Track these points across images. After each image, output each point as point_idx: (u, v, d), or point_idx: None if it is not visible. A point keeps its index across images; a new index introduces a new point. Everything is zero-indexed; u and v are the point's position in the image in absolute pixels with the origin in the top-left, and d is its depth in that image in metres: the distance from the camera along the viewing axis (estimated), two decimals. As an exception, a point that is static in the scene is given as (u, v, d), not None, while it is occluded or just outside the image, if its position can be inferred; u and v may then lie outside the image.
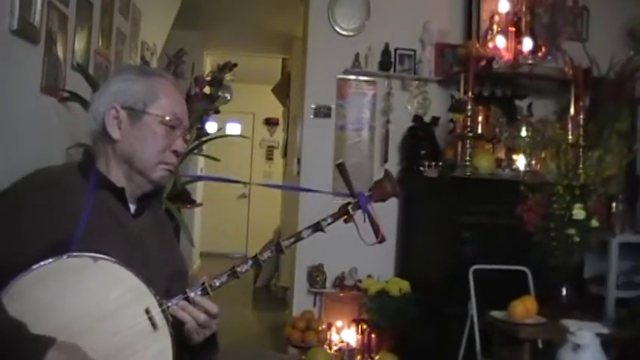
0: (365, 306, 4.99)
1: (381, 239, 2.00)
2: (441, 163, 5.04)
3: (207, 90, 3.34)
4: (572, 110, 4.98)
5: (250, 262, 1.84)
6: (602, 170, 3.68)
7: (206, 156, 4.29)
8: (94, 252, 1.60)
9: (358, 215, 1.96)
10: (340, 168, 2.03)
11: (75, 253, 1.60)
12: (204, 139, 3.28)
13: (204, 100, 3.30)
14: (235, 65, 3.41)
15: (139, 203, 1.93)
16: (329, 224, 1.95)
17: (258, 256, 1.85)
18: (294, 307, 5.48)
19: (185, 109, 1.94)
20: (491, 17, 5.40)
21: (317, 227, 1.94)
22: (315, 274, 5.30)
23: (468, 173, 4.63)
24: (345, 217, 1.97)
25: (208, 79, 3.48)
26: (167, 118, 1.85)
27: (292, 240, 1.92)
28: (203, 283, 1.76)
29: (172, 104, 1.89)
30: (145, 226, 1.92)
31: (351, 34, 5.54)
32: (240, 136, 4.10)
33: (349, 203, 1.97)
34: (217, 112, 3.46)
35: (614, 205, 5.41)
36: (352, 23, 5.55)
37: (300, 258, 5.41)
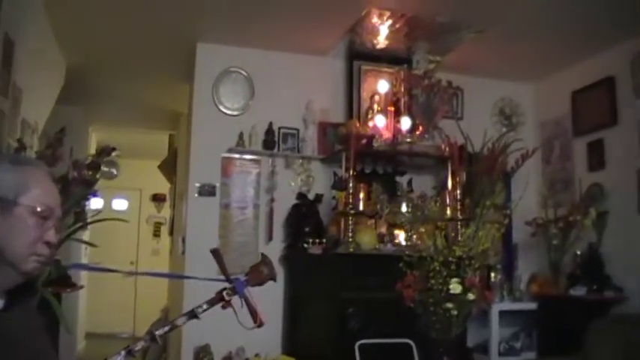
0: (252, 386, 4.94)
1: (259, 323, 2.01)
2: (324, 240, 5.10)
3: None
4: (449, 185, 5.18)
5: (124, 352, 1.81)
6: (475, 245, 3.81)
7: (83, 241, 4.20)
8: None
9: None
10: (215, 254, 2.04)
11: None
12: (80, 224, 3.21)
13: (82, 185, 3.26)
14: (114, 149, 3.38)
15: (9, 296, 1.87)
16: (204, 311, 1.95)
17: (131, 346, 1.82)
18: (181, 389, 5.32)
19: (58, 198, 1.91)
20: (372, 97, 5.60)
21: (192, 314, 1.93)
22: (202, 355, 5.19)
23: (351, 249, 4.71)
24: (222, 302, 1.97)
25: (87, 162, 3.43)
26: (39, 209, 1.82)
27: (167, 329, 1.91)
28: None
29: (44, 195, 1.85)
30: (16, 320, 1.86)
31: (235, 113, 5.62)
32: (118, 219, 4.00)
33: (225, 289, 1.98)
34: (96, 195, 3.41)
35: (492, 274, 5.63)
36: (236, 102, 5.63)
37: (186, 338, 5.29)
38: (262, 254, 2.23)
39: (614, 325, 4.71)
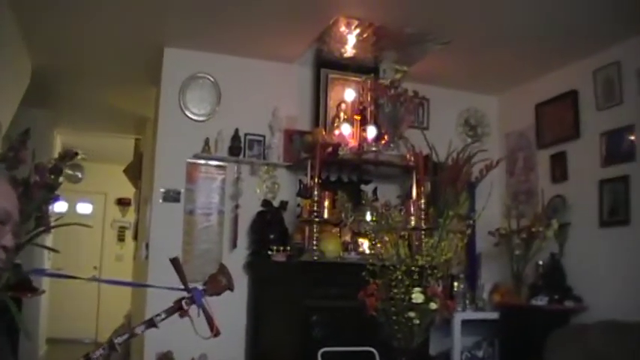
0: (215, 393, 4.91)
1: (215, 333, 2.01)
2: (289, 248, 5.10)
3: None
4: (414, 194, 5.21)
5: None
6: (438, 255, 3.82)
7: (44, 247, 4.14)
8: None
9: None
10: (174, 263, 2.03)
11: None
12: (41, 229, 3.17)
13: (44, 189, 3.22)
14: (77, 154, 3.35)
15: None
16: (163, 319, 1.94)
17: (90, 354, 1.81)
18: (143, 397, 5.27)
19: (15, 202, 1.89)
20: (338, 105, 5.62)
21: (150, 323, 1.93)
22: (165, 362, 5.16)
23: (316, 257, 4.71)
24: (180, 311, 1.97)
25: (50, 166, 3.39)
26: (-6, 212, 1.80)
27: (125, 337, 1.90)
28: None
29: (1, 198, 1.84)
30: None
31: (201, 118, 5.60)
32: (80, 224, 3.96)
33: (183, 298, 1.98)
34: (57, 199, 3.37)
35: (456, 284, 5.67)
36: (203, 108, 5.61)
37: (148, 344, 5.24)
38: (220, 264, 2.22)
39: (574, 335, 4.77)
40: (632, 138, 4.99)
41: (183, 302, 1.97)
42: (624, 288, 4.90)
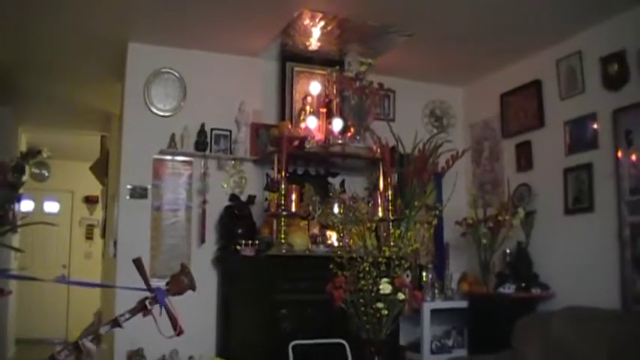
0: (187, 388, 4.91)
1: (179, 332, 2.02)
2: (257, 242, 5.10)
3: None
4: (381, 186, 5.23)
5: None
6: (405, 245, 3.85)
7: (8, 246, 4.10)
8: None
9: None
10: (136, 263, 2.04)
11: None
12: (5, 228, 3.15)
13: (6, 188, 3.19)
14: (40, 152, 3.32)
15: None
16: (127, 320, 1.95)
17: (55, 354, 1.80)
18: (114, 395, 5.24)
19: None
20: (304, 99, 5.62)
21: (115, 323, 1.93)
22: (136, 359, 5.13)
23: (284, 251, 4.72)
24: (144, 311, 1.97)
25: (12, 164, 3.36)
26: (-48, 214, 1.79)
27: (90, 337, 1.90)
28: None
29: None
30: None
31: (167, 114, 5.57)
32: (45, 223, 3.93)
33: (147, 298, 1.98)
34: (22, 198, 3.34)
35: (424, 274, 5.71)
36: (168, 103, 5.58)
37: (118, 342, 5.20)
38: (182, 264, 2.23)
39: (540, 322, 4.83)
40: (595, 126, 5.05)
41: (146, 302, 1.99)
42: (589, 274, 4.97)
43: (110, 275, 5.90)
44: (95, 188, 9.93)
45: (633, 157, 4.68)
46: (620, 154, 4.79)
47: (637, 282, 4.57)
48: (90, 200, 11.52)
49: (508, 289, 5.29)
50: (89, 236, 11.67)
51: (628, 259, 4.66)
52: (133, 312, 1.96)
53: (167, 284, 2.06)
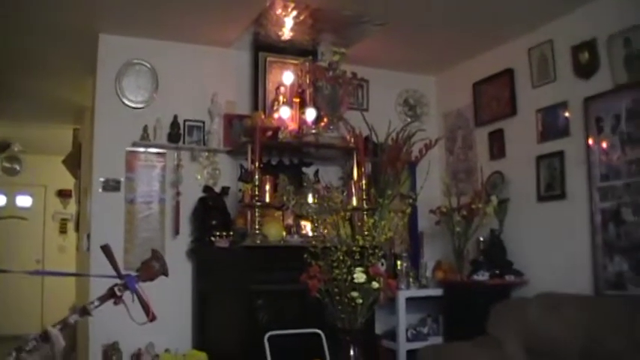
0: (163, 382, 4.89)
1: (152, 318, 2.01)
2: (232, 233, 5.08)
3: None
4: (355, 176, 5.24)
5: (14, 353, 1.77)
6: (379, 234, 3.85)
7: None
8: None
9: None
10: (105, 250, 2.02)
11: None
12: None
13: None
14: (9, 146, 3.28)
15: None
16: (96, 307, 1.93)
17: (22, 346, 1.78)
18: (90, 389, 5.20)
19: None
20: (277, 89, 5.58)
21: (84, 311, 1.91)
22: (111, 353, 5.09)
23: (258, 241, 4.70)
24: (114, 298, 1.96)
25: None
26: None
27: (59, 327, 1.88)
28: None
29: None
30: None
31: (139, 105, 5.52)
32: (16, 217, 3.89)
33: (116, 285, 1.96)
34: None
35: (399, 262, 5.73)
36: (140, 95, 5.54)
37: (94, 336, 5.18)
38: (153, 250, 2.21)
39: (514, 308, 4.89)
40: (567, 114, 5.09)
41: (115, 289, 1.97)
42: (562, 261, 5.02)
43: (84, 269, 5.86)
44: (68, 182, 9.84)
45: (604, 145, 4.73)
46: (591, 141, 4.83)
47: (608, 267, 4.63)
48: (63, 194, 11.40)
49: (482, 276, 5.32)
50: (63, 230, 11.55)
51: (599, 244, 4.71)
52: (103, 299, 1.94)
53: (138, 270, 2.04)
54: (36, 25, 5.29)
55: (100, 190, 5.37)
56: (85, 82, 6.37)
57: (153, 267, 2.07)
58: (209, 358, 4.91)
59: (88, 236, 5.51)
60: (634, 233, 4.46)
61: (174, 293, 5.12)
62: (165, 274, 2.08)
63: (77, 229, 8.07)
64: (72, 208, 10.63)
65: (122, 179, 5.41)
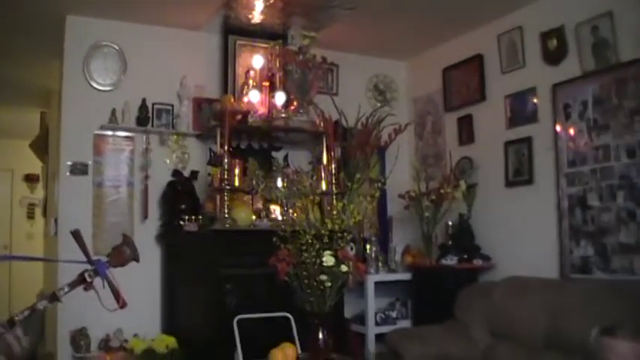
0: (132, 366, 4.87)
1: (122, 304, 1.99)
2: (200, 217, 5.06)
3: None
4: (324, 160, 5.24)
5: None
6: (347, 218, 3.86)
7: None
8: None
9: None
10: (75, 235, 1.99)
11: None
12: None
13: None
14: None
15: None
16: (66, 293, 1.91)
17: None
18: (58, 375, 5.16)
19: None
20: (247, 72, 5.55)
21: (53, 297, 1.89)
22: (79, 339, 5.05)
23: (227, 225, 4.69)
24: (84, 284, 1.94)
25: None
26: None
27: (27, 313, 1.86)
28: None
29: None
30: None
31: (107, 88, 5.46)
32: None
33: (86, 270, 1.94)
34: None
35: (368, 247, 5.76)
36: (108, 78, 5.47)
37: (62, 322, 5.14)
38: (124, 235, 2.19)
39: (481, 292, 4.94)
40: (535, 100, 5.14)
41: (86, 274, 1.95)
42: (529, 245, 5.09)
43: (52, 255, 5.81)
44: (36, 166, 9.75)
45: (571, 131, 4.77)
46: (558, 127, 4.88)
47: (574, 252, 4.69)
48: (30, 179, 11.27)
49: (450, 260, 5.37)
50: (30, 216, 11.42)
51: (566, 229, 4.77)
52: (72, 285, 1.92)
53: (108, 256, 2.02)
54: (1, 6, 5.20)
55: (68, 173, 5.30)
56: (52, 65, 6.27)
57: (124, 252, 2.05)
58: (178, 342, 4.90)
59: (56, 221, 5.45)
60: (600, 218, 4.52)
61: (143, 278, 5.08)
62: (137, 259, 2.06)
63: (45, 214, 7.99)
64: (39, 193, 10.51)
65: (90, 163, 5.35)
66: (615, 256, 4.40)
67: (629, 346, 2.01)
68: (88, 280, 1.94)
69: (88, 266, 1.99)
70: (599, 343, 2.09)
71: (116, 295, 1.98)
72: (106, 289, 2.02)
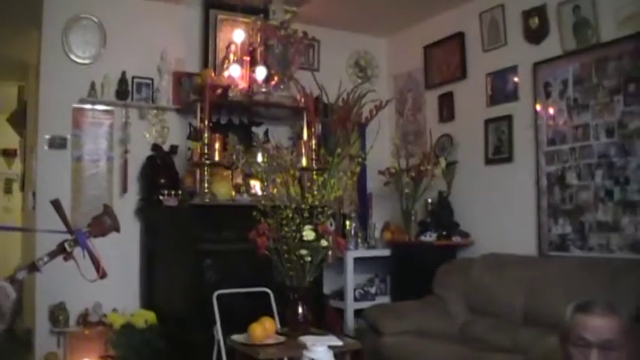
0: (111, 341, 4.85)
1: (102, 274, 1.99)
2: (180, 192, 5.04)
3: None
4: (305, 136, 5.23)
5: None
6: (328, 193, 3.87)
7: None
8: None
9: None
10: (55, 205, 1.98)
11: None
12: None
13: None
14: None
15: None
16: (46, 263, 1.90)
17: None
18: (36, 350, 5.15)
19: None
20: (228, 47, 5.52)
21: (32, 267, 1.88)
22: (58, 313, 5.03)
23: (207, 200, 4.68)
24: (64, 254, 1.93)
25: None
26: None
27: (8, 280, 1.85)
28: None
29: None
30: None
31: (86, 61, 5.38)
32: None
33: (66, 240, 1.93)
34: None
35: (347, 223, 5.77)
36: (88, 51, 5.39)
37: (40, 297, 5.11)
38: (105, 205, 2.18)
39: (459, 268, 4.99)
40: (516, 79, 5.15)
41: (65, 244, 1.94)
42: (508, 222, 5.13)
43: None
44: (13, 141, 9.63)
45: (551, 110, 4.80)
46: (539, 106, 4.91)
47: (552, 229, 4.74)
48: (8, 153, 11.12)
49: (429, 237, 5.40)
50: (8, 190, 11.31)
51: (544, 207, 4.82)
52: (52, 255, 1.91)
53: (88, 225, 2.01)
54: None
55: (46, 147, 5.24)
56: (30, 37, 6.18)
57: (104, 222, 2.04)
58: (157, 317, 4.90)
59: (34, 194, 5.40)
60: (578, 196, 4.57)
61: (122, 252, 5.07)
62: (117, 229, 2.05)
63: (23, 189, 7.92)
64: (17, 167, 10.40)
65: (68, 136, 5.29)
66: (592, 234, 4.45)
67: (603, 322, 2.05)
68: (68, 249, 1.93)
69: (68, 236, 1.98)
70: (573, 319, 2.12)
71: (96, 264, 1.97)
72: (86, 260, 2.01)
